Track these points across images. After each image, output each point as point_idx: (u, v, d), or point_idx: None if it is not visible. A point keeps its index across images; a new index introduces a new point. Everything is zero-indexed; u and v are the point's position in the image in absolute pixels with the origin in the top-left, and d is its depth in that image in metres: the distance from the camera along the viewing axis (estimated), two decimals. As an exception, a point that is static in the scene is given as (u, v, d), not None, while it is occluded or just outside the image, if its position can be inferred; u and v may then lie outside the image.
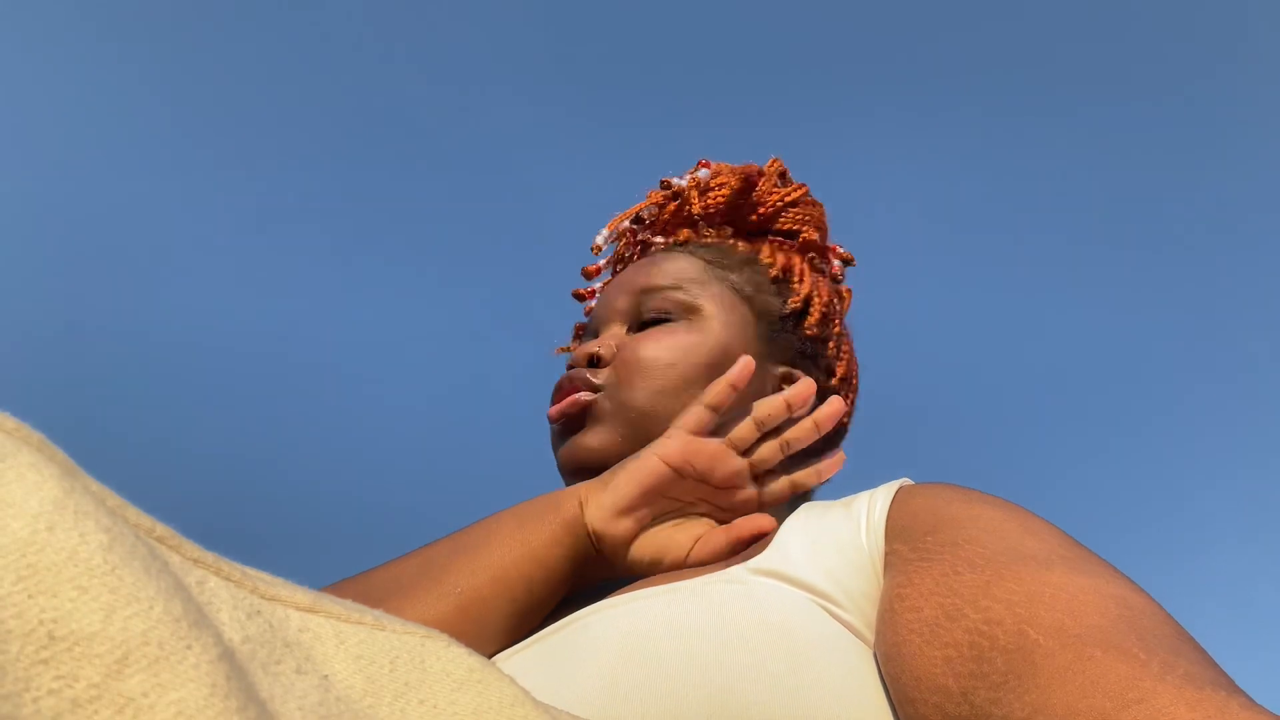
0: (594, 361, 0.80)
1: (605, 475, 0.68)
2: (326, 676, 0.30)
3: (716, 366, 0.77)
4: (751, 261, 0.86)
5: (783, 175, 0.93)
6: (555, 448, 0.80)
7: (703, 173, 0.91)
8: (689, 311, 0.80)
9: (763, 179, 0.91)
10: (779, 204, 0.90)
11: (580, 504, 0.66)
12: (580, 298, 1.00)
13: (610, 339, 0.81)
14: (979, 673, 0.45)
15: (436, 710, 0.31)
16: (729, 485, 0.69)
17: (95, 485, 0.28)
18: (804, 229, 0.91)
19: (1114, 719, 0.38)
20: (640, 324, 0.82)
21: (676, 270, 0.83)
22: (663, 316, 0.81)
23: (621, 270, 0.94)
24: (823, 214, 0.94)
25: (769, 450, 0.70)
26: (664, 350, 0.77)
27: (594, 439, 0.76)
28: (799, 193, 0.91)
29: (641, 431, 0.75)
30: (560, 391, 0.79)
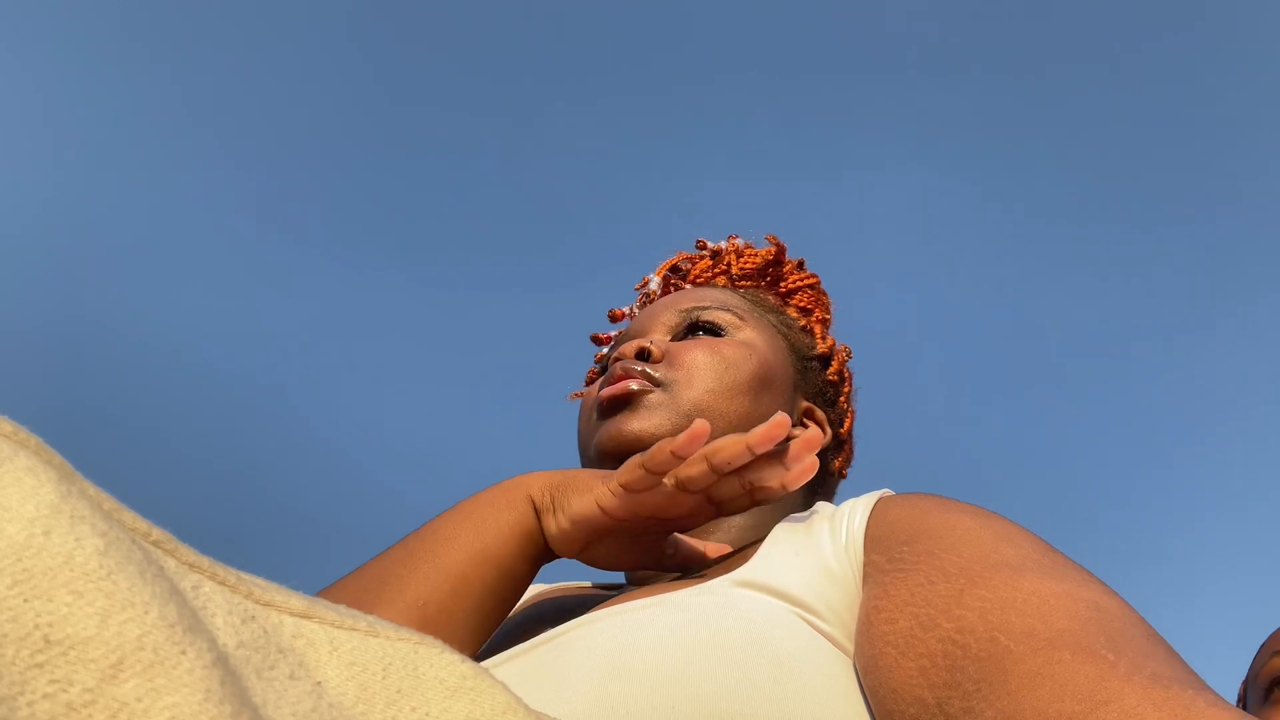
0: (642, 355, 0.80)
1: (557, 487, 0.65)
2: (319, 683, 0.30)
3: (761, 380, 0.81)
4: (782, 311, 0.94)
5: (800, 264, 1.00)
6: (590, 429, 0.81)
7: (739, 240, 0.99)
8: (735, 329, 0.85)
9: (788, 262, 1.00)
10: (799, 283, 0.97)
11: (535, 511, 0.65)
12: (599, 342, 1.02)
13: (639, 340, 0.82)
14: (953, 682, 0.45)
15: (429, 717, 0.31)
16: (685, 518, 0.66)
17: (92, 489, 0.28)
18: (816, 310, 0.97)
19: None
20: (685, 334, 0.85)
21: (724, 296, 0.89)
22: (711, 328, 0.84)
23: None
24: (830, 308, 1.01)
25: (730, 488, 0.63)
26: (718, 356, 0.80)
27: (642, 424, 0.75)
28: (815, 280, 0.99)
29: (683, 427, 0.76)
30: (612, 378, 0.79)
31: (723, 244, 1.00)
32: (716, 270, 0.98)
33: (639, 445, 0.73)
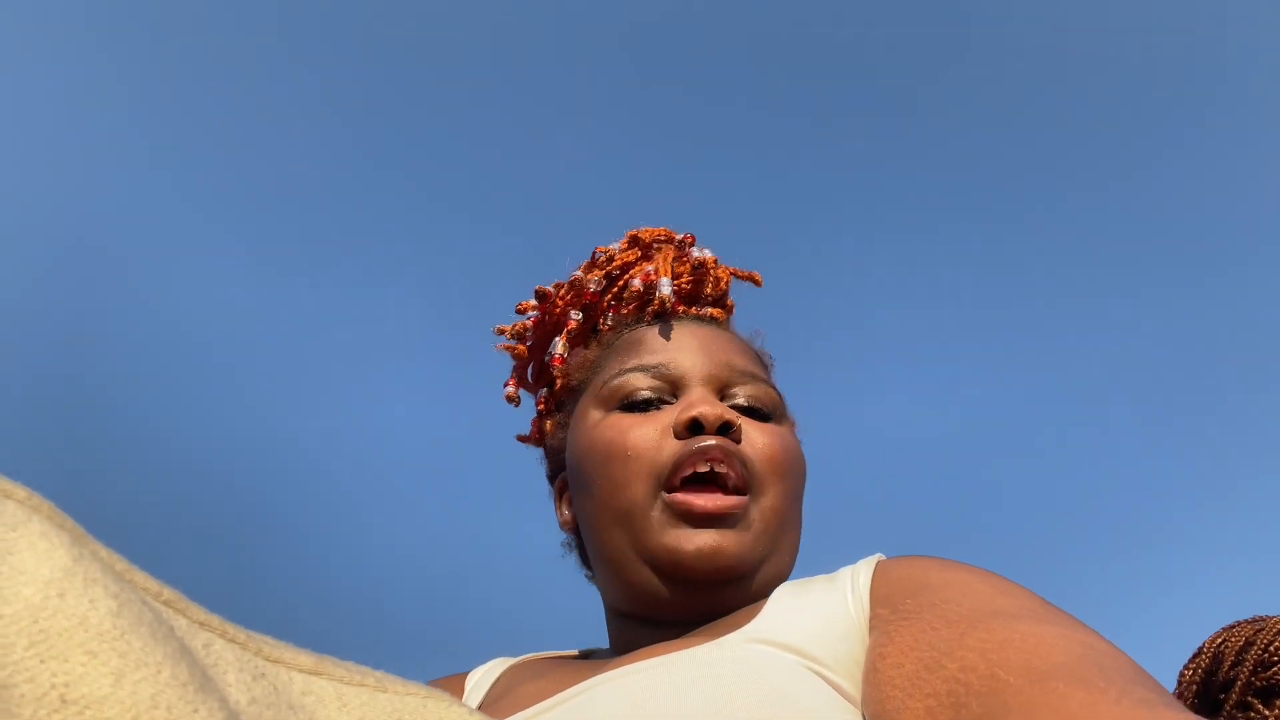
0: (724, 429, 0.70)
1: None
2: (330, 739, 0.31)
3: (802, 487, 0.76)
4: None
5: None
6: (660, 524, 0.69)
7: (709, 251, 0.87)
8: (785, 421, 0.77)
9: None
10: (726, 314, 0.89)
11: None
12: (543, 297, 0.86)
13: (718, 407, 0.71)
14: (958, 719, 0.47)
15: (439, 771, 0.32)
16: None
17: (104, 551, 0.28)
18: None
19: None
20: (734, 406, 0.75)
21: (764, 369, 0.81)
22: (766, 412, 0.75)
23: (634, 315, 0.84)
24: None
25: None
26: (790, 457, 0.73)
27: (741, 546, 0.68)
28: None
29: (770, 544, 0.70)
30: (711, 462, 0.68)
31: (700, 253, 0.86)
32: (698, 290, 0.85)
33: (735, 568, 0.67)
